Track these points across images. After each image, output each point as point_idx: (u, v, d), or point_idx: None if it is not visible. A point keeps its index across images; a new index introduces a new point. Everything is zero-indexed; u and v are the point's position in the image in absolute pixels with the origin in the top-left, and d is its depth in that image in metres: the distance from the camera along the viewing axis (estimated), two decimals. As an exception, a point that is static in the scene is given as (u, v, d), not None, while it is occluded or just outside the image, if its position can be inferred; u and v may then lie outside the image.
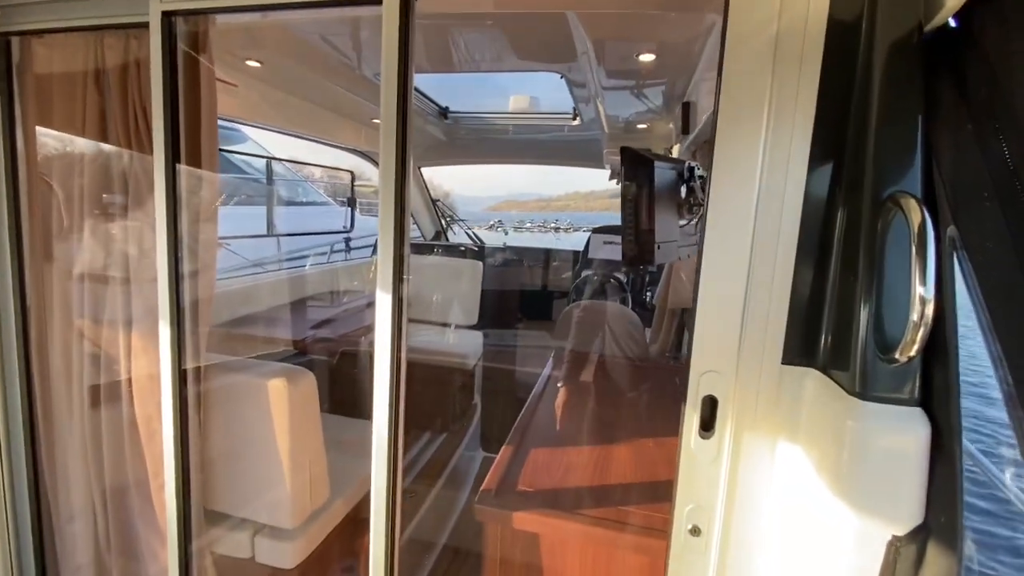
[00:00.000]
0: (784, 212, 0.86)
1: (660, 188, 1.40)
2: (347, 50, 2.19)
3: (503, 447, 1.48)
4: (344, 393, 3.23)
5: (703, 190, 1.49)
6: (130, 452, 1.54)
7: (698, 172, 1.49)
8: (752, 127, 0.85)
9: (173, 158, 1.25)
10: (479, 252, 4.75)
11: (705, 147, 2.31)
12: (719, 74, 0.86)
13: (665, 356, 2.58)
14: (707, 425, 0.92)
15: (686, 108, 2.15)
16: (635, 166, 1.36)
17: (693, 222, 1.56)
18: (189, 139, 1.29)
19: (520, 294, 4.66)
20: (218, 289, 2.55)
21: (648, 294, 3.43)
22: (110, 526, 1.63)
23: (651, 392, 2.01)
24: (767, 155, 0.85)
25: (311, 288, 3.32)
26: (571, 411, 1.79)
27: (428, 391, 3.26)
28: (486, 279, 4.50)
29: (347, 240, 4.30)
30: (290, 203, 7.61)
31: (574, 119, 3.06)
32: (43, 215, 1.62)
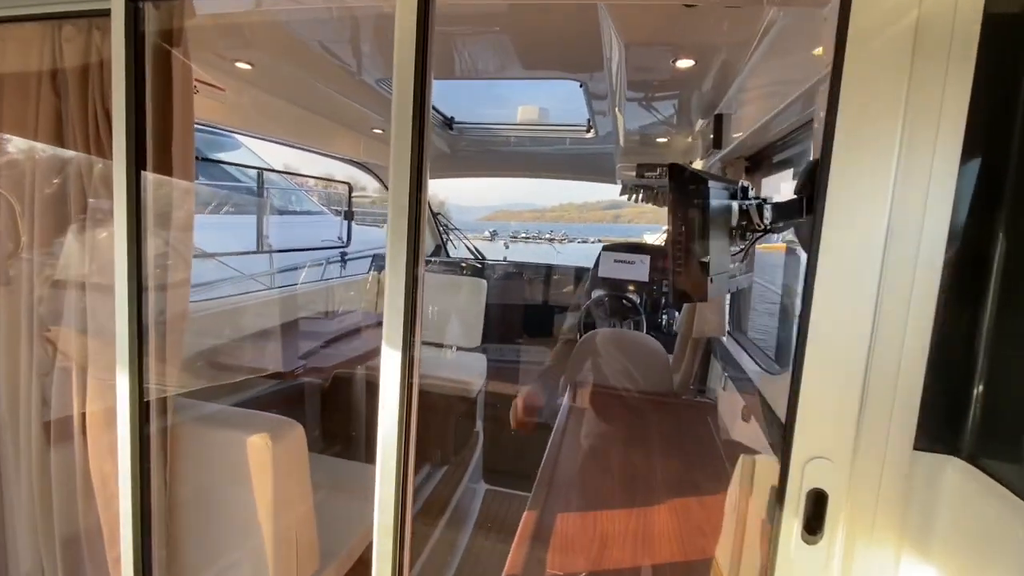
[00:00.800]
0: (921, 251, 0.66)
1: (714, 211, 1.20)
2: (346, 52, 2.00)
3: (525, 512, 1.26)
4: (336, 430, 2.99)
5: (760, 213, 1.30)
6: (84, 515, 1.31)
7: (752, 192, 1.30)
8: (880, 142, 0.65)
9: (136, 165, 1.04)
10: (481, 267, 4.56)
11: (738, 163, 2.13)
12: (833, 76, 0.67)
13: (689, 388, 2.37)
14: (812, 527, 0.71)
15: (719, 121, 1.97)
16: (686, 185, 1.16)
17: (745, 249, 1.37)
18: (159, 144, 1.09)
19: (520, 309, 4.48)
20: (204, 311, 2.32)
21: (664, 317, 3.22)
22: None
23: (681, 433, 1.80)
24: (900, 175, 0.65)
25: (304, 308, 3.10)
26: (596, 459, 1.57)
27: (427, 420, 3.03)
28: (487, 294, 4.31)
29: (343, 254, 4.09)
30: (283, 212, 7.41)
31: (588, 131, 2.88)
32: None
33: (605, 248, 3.56)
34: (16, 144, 1.34)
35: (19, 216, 1.42)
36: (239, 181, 6.15)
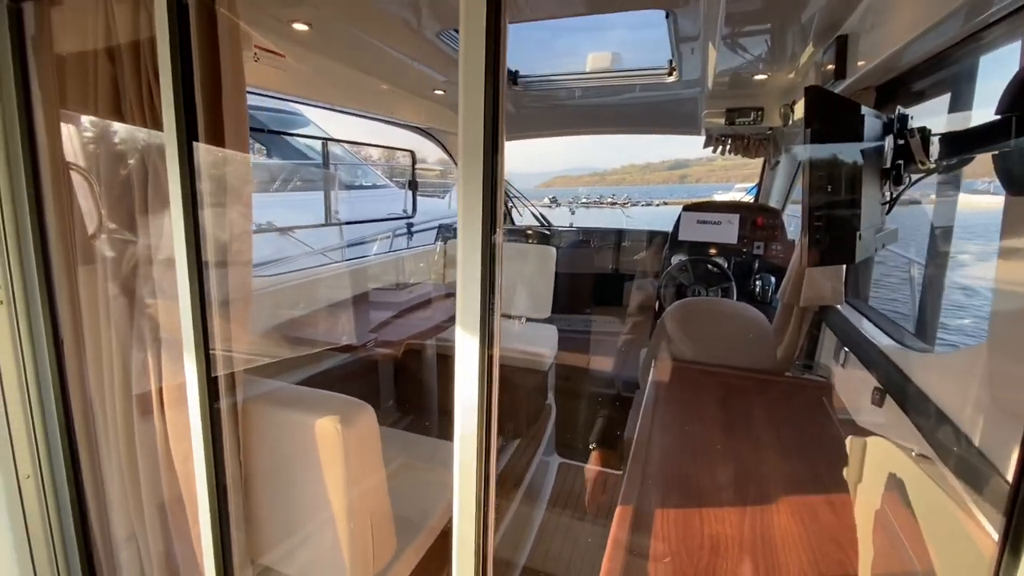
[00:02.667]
0: None
1: (865, 149, 0.94)
2: (405, 6, 1.84)
3: (619, 507, 1.11)
4: (408, 403, 2.98)
5: (925, 147, 1.02)
6: (167, 483, 1.32)
7: (912, 123, 1.02)
8: None
9: (188, 135, 0.95)
10: (548, 235, 4.37)
11: (865, 95, 1.77)
12: None
13: (794, 364, 2.10)
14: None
15: (842, 44, 1.62)
16: (832, 115, 0.91)
17: (898, 195, 1.09)
18: (209, 109, 0.99)
19: (589, 278, 4.28)
20: (273, 286, 2.34)
21: (758, 283, 2.89)
22: (153, 557, 1.43)
23: (792, 417, 1.56)
24: None
25: (373, 281, 3.08)
26: (694, 446, 1.39)
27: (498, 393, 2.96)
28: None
29: (409, 225, 4.05)
30: (351, 187, 7.56)
31: (670, 74, 2.56)
32: (75, 210, 1.42)
33: (686, 208, 3.24)
34: (86, 119, 1.32)
35: (98, 195, 1.42)
36: (309, 158, 6.30)
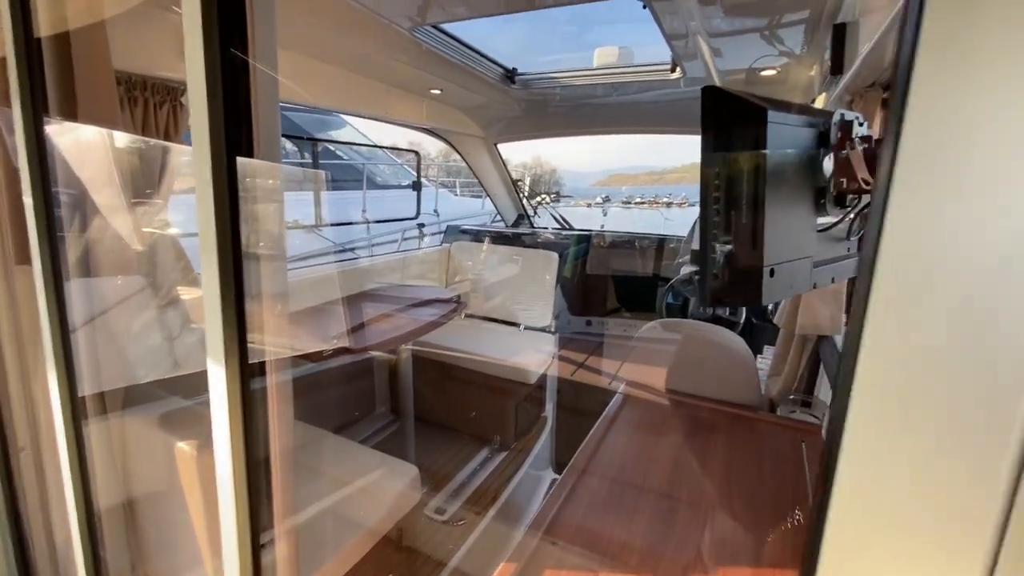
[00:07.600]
0: None
1: (779, 164, 0.76)
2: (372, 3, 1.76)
3: (502, 564, 0.98)
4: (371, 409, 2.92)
5: (871, 160, 0.82)
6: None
7: (860, 131, 0.82)
8: None
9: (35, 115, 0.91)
10: (566, 238, 4.21)
11: (871, 94, 1.52)
12: None
13: (789, 399, 1.85)
14: None
15: (839, 34, 1.39)
16: (729, 123, 0.73)
17: (844, 218, 0.88)
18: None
19: (610, 282, 4.14)
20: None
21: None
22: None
23: (761, 463, 1.36)
24: None
25: (368, 281, 3.06)
26: (630, 486, 1.22)
27: (484, 401, 2.84)
28: (576, 265, 4.05)
29: (420, 226, 4.00)
30: (385, 186, 7.67)
31: (673, 71, 2.35)
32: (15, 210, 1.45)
33: (702, 215, 3.00)
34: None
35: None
36: (340, 158, 6.44)
